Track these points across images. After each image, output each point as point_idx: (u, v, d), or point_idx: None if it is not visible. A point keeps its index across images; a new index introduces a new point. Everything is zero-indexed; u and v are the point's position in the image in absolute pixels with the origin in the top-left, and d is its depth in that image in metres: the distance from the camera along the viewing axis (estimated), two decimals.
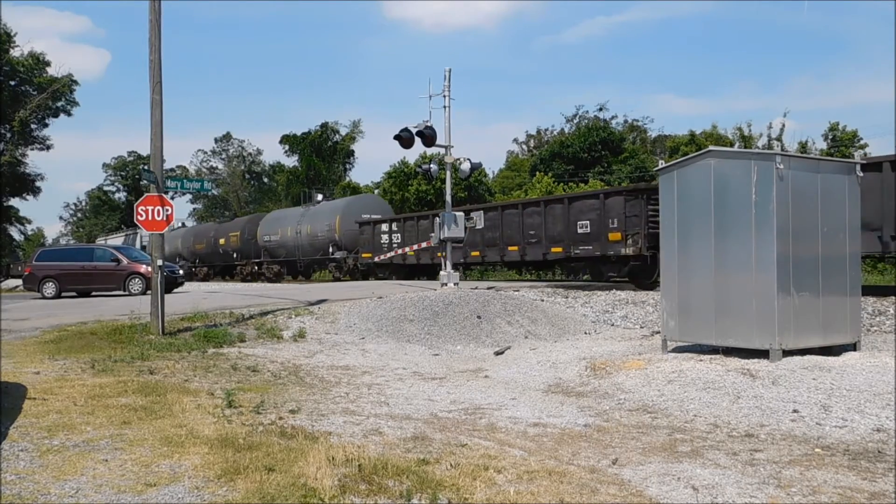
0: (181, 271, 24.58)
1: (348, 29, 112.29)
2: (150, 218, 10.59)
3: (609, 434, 5.38)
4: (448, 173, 16.27)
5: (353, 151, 60.19)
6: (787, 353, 7.45)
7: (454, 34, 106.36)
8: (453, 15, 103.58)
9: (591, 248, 18.14)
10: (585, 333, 11.93)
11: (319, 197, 34.11)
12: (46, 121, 46.49)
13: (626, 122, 39.95)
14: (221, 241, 38.03)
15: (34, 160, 52.12)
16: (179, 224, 49.68)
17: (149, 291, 13.69)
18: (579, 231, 18.49)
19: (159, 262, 10.75)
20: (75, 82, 46.26)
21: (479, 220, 16.57)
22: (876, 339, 9.60)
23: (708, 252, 7.96)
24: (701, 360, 7.57)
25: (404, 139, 15.31)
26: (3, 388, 6.44)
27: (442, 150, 16.32)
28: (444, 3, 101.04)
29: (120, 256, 21.32)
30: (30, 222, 66.83)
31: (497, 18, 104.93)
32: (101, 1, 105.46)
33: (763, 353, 7.46)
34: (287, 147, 60.57)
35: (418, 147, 16.69)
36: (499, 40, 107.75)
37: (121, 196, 74.96)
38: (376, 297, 13.56)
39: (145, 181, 11.12)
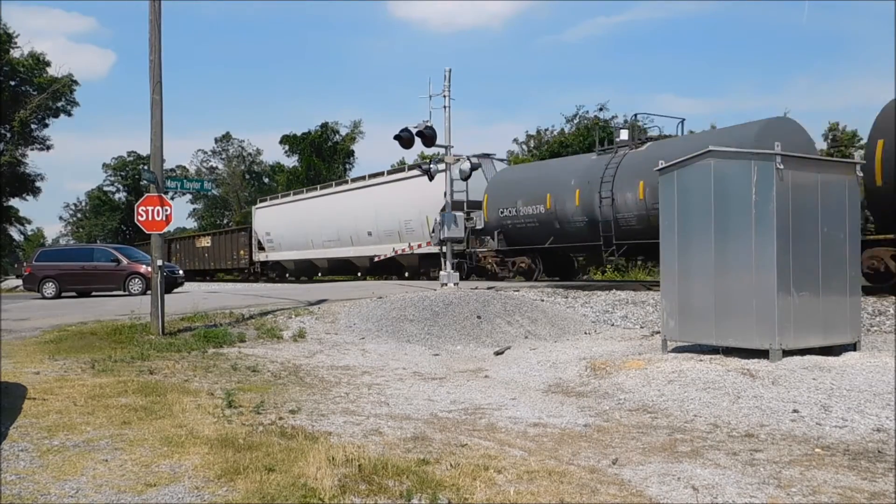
0: (181, 271, 24.50)
1: (351, 29, 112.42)
2: (150, 218, 10.59)
3: (609, 434, 5.37)
4: (448, 173, 16.27)
5: (353, 152, 60.20)
6: (787, 353, 7.44)
7: (460, 34, 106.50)
8: (460, 15, 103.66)
9: None
10: (585, 333, 11.93)
11: None
12: (46, 121, 46.38)
13: (626, 122, 39.91)
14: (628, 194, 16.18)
15: (34, 160, 52.05)
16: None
17: (149, 291, 13.69)
18: None
19: (159, 262, 10.76)
20: (75, 82, 46.22)
21: (478, 220, 16.56)
22: (876, 339, 9.59)
23: (708, 252, 7.96)
24: (701, 360, 7.56)
25: (404, 139, 15.32)
26: (3, 388, 6.44)
27: (441, 150, 16.33)
28: (451, 2, 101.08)
29: (120, 257, 21.33)
30: (30, 222, 66.68)
31: (502, 18, 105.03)
32: (109, 1, 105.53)
33: (763, 353, 7.46)
34: (287, 147, 60.57)
35: (417, 147, 16.65)
36: (503, 40, 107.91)
37: (121, 196, 74.92)
38: (376, 297, 13.56)
39: (145, 181, 11.12)
